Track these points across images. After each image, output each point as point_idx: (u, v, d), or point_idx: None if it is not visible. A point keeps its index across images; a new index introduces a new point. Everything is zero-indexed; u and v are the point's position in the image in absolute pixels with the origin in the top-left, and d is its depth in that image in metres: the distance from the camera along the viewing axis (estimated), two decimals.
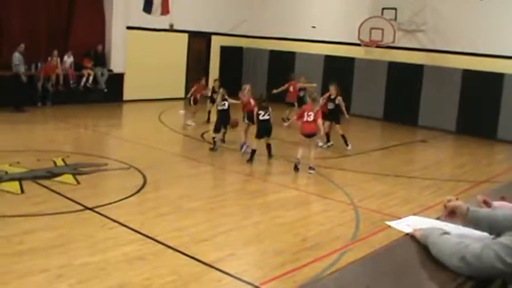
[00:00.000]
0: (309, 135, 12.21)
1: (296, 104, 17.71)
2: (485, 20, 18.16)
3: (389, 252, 2.40)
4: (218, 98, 14.20)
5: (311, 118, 12.02)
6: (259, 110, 12.80)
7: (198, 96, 17.50)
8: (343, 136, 14.87)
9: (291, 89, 18.25)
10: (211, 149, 13.65)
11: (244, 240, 7.80)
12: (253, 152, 12.73)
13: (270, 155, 13.19)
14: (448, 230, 2.37)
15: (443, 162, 15.14)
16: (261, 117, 12.73)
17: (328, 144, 15.03)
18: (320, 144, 14.76)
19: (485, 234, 2.37)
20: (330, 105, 14.72)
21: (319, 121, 12.23)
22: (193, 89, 17.82)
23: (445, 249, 2.19)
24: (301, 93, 17.93)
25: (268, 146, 13.10)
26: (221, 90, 14.29)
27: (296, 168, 12.15)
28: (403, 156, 15.33)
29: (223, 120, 13.79)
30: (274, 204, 9.75)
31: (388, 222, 2.68)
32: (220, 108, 13.79)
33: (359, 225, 8.74)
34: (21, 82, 17.35)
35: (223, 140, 14.36)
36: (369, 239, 8.07)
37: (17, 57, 17.28)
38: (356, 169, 12.87)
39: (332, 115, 14.71)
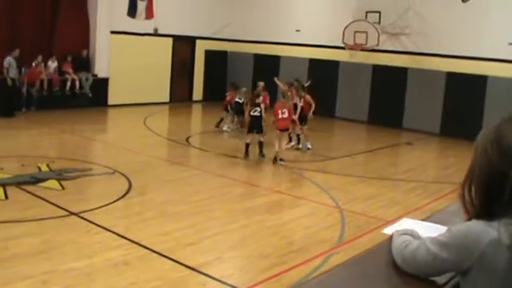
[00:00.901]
0: (283, 130, 13.27)
1: None
2: (468, 23, 18.30)
3: (374, 254, 2.41)
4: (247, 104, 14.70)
5: (285, 115, 13.20)
6: (251, 106, 13.74)
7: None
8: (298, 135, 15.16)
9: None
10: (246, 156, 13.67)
11: (230, 244, 7.79)
12: (247, 145, 13.58)
13: (261, 153, 13.58)
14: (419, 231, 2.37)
15: (428, 164, 15.21)
16: (252, 113, 13.59)
17: (292, 143, 15.17)
18: (309, 146, 15.01)
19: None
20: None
21: (294, 117, 13.76)
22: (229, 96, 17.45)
23: (394, 250, 2.24)
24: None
25: (260, 144, 13.53)
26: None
27: (275, 160, 13.14)
28: (388, 158, 15.39)
29: (255, 126, 13.67)
30: (260, 207, 9.76)
31: (384, 231, 2.69)
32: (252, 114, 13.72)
33: (344, 228, 8.76)
34: (9, 86, 17.26)
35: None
36: (355, 241, 8.10)
37: (7, 61, 17.19)
38: (341, 172, 12.90)
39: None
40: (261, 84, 16.23)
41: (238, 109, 16.53)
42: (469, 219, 1.96)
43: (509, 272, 1.82)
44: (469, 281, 1.93)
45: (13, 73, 17.38)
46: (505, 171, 1.85)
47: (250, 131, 13.73)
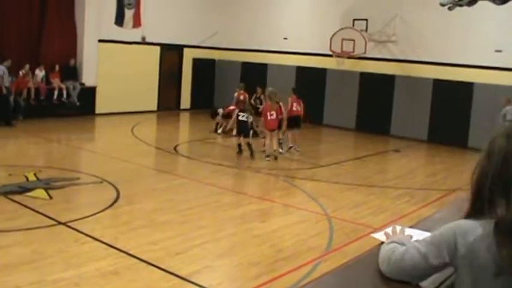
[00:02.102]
0: (272, 130, 14.50)
1: None
2: (454, 31, 18.43)
3: (363, 262, 2.42)
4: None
5: (274, 116, 14.43)
6: (239, 111, 14.92)
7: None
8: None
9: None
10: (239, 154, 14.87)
11: (219, 253, 7.78)
12: (239, 145, 14.81)
13: (251, 154, 14.44)
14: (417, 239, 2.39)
15: (416, 171, 15.26)
16: (240, 118, 14.72)
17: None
18: (281, 151, 15.42)
19: None
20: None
21: (281, 117, 14.70)
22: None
23: (380, 257, 2.26)
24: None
25: (249, 146, 14.52)
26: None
27: (267, 156, 14.34)
28: (376, 166, 15.43)
29: (243, 130, 14.81)
30: (249, 215, 9.75)
31: (373, 235, 2.70)
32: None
33: (333, 235, 8.77)
34: (5, 95, 17.25)
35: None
36: (343, 249, 8.11)
37: (1, 69, 17.18)
38: (329, 180, 12.92)
39: None
40: (259, 90, 16.74)
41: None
42: (465, 217, 2.06)
43: (495, 267, 1.90)
44: (457, 278, 2.02)
45: (8, 81, 17.37)
46: (487, 170, 1.99)
47: (238, 134, 14.90)
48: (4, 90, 17.33)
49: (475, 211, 2.02)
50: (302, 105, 15.86)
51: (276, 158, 14.48)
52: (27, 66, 18.33)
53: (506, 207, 1.92)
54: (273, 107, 14.54)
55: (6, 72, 17.31)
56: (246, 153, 14.66)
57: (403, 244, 2.23)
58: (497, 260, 1.90)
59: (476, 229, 1.95)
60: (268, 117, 14.43)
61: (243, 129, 14.65)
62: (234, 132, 15.85)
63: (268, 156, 14.38)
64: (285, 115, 14.94)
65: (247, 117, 14.65)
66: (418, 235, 2.45)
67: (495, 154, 1.98)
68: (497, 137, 2.03)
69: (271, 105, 14.59)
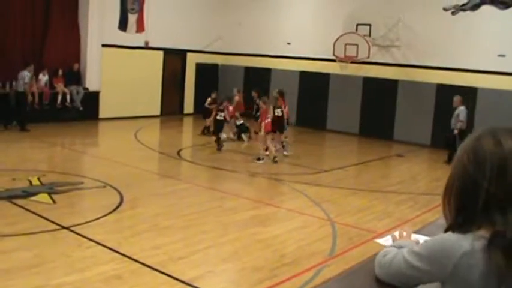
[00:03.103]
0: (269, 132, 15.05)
1: None
2: (457, 35, 18.43)
3: (366, 268, 2.42)
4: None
5: (269, 119, 14.92)
6: (217, 111, 16.27)
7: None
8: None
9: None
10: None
11: (222, 258, 7.77)
12: (218, 140, 16.03)
13: (219, 147, 15.91)
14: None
15: (419, 176, 15.24)
16: (218, 117, 16.13)
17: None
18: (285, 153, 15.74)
19: None
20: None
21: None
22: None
23: (375, 259, 2.25)
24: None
25: (218, 140, 16.03)
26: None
27: (260, 159, 14.80)
28: (379, 170, 15.42)
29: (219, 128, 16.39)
30: (252, 220, 9.75)
31: (377, 240, 2.69)
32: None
33: (336, 240, 8.76)
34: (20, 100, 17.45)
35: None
36: (346, 254, 8.10)
37: (24, 74, 17.28)
38: (332, 185, 12.92)
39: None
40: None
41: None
42: (447, 230, 1.97)
43: (483, 284, 1.82)
44: None
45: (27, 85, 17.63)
46: (479, 181, 1.85)
47: (215, 132, 16.30)
48: (30, 97, 17.69)
49: (458, 224, 1.91)
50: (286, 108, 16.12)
51: (275, 159, 14.82)
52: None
53: (504, 221, 1.81)
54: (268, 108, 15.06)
55: (29, 77, 17.49)
56: (244, 156, 14.66)
57: (400, 248, 2.22)
58: (487, 276, 1.80)
59: (462, 244, 1.84)
60: (266, 121, 14.83)
61: (219, 127, 16.07)
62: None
63: (260, 159, 14.80)
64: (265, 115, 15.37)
65: (223, 116, 16.14)
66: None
67: (486, 161, 1.85)
68: (481, 140, 1.91)
69: (268, 109, 15.01)
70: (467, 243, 1.84)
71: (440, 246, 1.91)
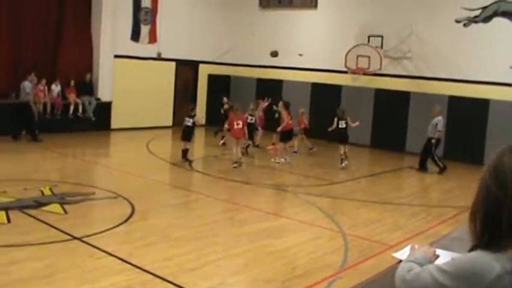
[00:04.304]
0: (238, 138, 15.58)
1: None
2: (469, 47, 18.40)
3: (379, 282, 2.40)
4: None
5: (240, 126, 15.58)
6: (186, 116, 16.05)
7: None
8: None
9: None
10: None
11: (233, 269, 7.75)
12: (184, 151, 15.80)
13: (185, 159, 15.62)
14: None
15: (431, 188, 15.18)
16: (185, 123, 16.00)
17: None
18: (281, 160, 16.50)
19: None
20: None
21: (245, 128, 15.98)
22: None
23: (397, 274, 2.22)
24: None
25: (185, 151, 15.76)
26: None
27: (235, 163, 15.35)
28: (391, 182, 15.36)
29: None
30: (263, 232, 9.71)
31: (394, 255, 2.68)
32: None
33: (348, 252, 8.72)
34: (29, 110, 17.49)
35: None
36: (358, 266, 8.06)
37: (26, 85, 17.35)
38: (344, 196, 12.88)
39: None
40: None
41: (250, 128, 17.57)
42: (473, 248, 1.94)
43: None
44: None
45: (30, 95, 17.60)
46: (501, 199, 1.83)
47: (183, 139, 16.07)
48: (37, 106, 17.87)
49: (486, 243, 1.90)
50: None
51: (240, 165, 15.47)
52: (43, 81, 18.50)
53: None
54: (238, 116, 15.72)
55: (31, 88, 17.58)
56: (255, 168, 14.64)
57: (420, 264, 2.20)
58: None
59: (493, 266, 1.82)
60: (235, 126, 15.54)
61: (187, 134, 16.00)
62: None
63: (236, 163, 15.33)
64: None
65: (193, 123, 16.03)
66: (446, 256, 2.41)
67: (508, 179, 1.84)
68: (503, 158, 1.90)
69: (238, 114, 15.84)
70: (499, 265, 1.82)
71: (471, 266, 1.88)
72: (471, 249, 1.93)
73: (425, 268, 2.09)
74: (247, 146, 17.56)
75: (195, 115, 16.14)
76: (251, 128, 17.48)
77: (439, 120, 16.22)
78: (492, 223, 1.87)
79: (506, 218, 1.82)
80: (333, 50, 21.41)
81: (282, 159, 16.49)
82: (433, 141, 16.06)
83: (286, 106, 16.99)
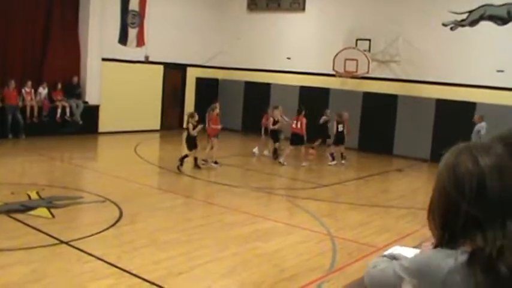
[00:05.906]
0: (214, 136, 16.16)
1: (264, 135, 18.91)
2: (457, 51, 18.51)
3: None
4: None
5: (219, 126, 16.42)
6: (190, 124, 15.64)
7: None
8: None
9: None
10: None
11: (221, 273, 7.74)
12: (183, 158, 15.48)
13: (181, 164, 15.27)
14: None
15: (419, 190, 15.23)
16: (192, 133, 15.44)
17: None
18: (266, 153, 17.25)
19: None
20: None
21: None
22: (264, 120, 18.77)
23: (365, 271, 2.23)
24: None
25: (183, 157, 15.42)
26: None
27: (204, 161, 15.88)
28: (378, 185, 15.41)
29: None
30: (251, 235, 9.71)
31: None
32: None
33: (336, 255, 8.74)
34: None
35: None
36: (346, 268, 8.08)
37: None
38: (332, 199, 12.91)
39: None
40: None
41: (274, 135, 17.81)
42: (434, 247, 1.96)
43: None
44: None
45: None
46: (459, 202, 1.83)
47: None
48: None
49: (443, 242, 1.90)
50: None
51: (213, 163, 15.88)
52: (29, 84, 18.45)
53: (483, 239, 1.78)
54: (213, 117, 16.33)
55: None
56: (244, 171, 14.65)
57: (393, 259, 2.21)
58: None
59: (447, 261, 1.82)
60: (213, 126, 16.14)
61: (275, 137, 17.31)
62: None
63: (216, 162, 15.89)
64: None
65: (187, 128, 15.91)
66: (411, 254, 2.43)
67: (465, 182, 1.83)
68: (459, 158, 1.91)
69: (216, 114, 16.43)
70: (452, 260, 1.82)
71: (428, 263, 1.88)
72: (434, 247, 1.95)
73: (390, 265, 2.10)
74: (275, 151, 17.76)
75: (199, 123, 15.73)
76: (276, 133, 17.70)
77: (482, 126, 16.26)
78: (450, 223, 1.88)
79: (462, 219, 1.83)
80: (320, 54, 21.46)
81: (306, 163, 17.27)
82: None
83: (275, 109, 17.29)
